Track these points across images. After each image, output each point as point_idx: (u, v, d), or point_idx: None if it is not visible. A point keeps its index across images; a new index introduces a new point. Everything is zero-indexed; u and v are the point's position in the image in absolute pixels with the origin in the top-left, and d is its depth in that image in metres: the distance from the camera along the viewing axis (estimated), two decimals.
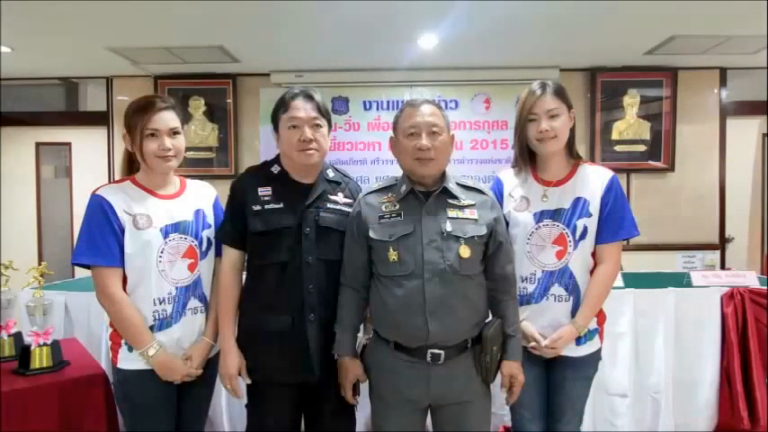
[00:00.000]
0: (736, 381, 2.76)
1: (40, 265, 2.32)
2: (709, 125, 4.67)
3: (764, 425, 2.75)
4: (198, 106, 4.69)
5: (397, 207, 1.79)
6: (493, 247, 1.81)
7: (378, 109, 4.62)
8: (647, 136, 4.65)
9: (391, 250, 1.74)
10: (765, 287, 2.87)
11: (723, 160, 4.68)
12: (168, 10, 3.17)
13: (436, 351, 1.72)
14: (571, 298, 1.90)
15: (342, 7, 3.15)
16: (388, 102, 4.60)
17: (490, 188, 1.98)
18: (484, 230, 1.77)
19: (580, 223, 1.89)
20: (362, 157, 4.61)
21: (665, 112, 4.60)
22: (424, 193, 1.79)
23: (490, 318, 1.84)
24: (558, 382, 1.96)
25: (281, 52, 4.09)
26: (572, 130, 1.95)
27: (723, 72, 4.62)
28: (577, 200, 1.91)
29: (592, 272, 1.93)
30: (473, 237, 1.74)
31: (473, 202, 1.80)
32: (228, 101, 4.68)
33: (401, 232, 1.75)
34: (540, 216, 1.92)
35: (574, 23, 3.51)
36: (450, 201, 1.79)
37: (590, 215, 1.89)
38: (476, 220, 1.77)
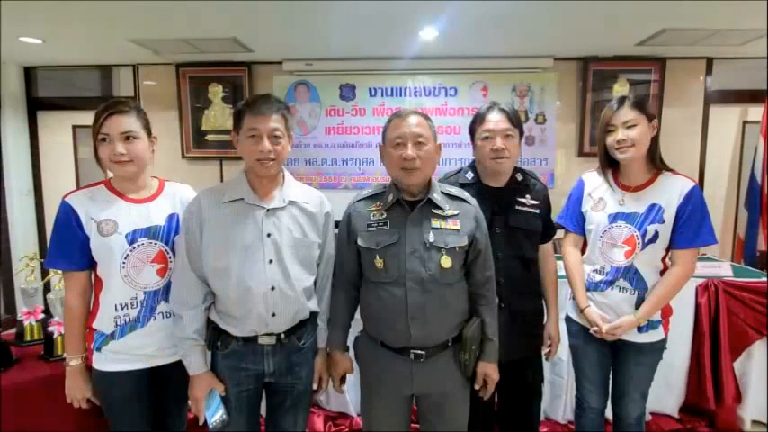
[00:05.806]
0: (706, 366, 2.67)
1: None
2: (693, 111, 4.39)
3: (729, 404, 2.67)
4: (217, 92, 4.51)
5: (384, 216, 1.70)
6: (472, 255, 1.72)
7: (382, 95, 4.44)
8: None
9: (377, 258, 1.66)
10: (739, 279, 2.73)
11: (704, 145, 4.43)
12: (183, 5, 3.01)
13: (418, 351, 1.67)
14: (636, 292, 1.88)
15: (350, 3, 2.98)
16: (392, 89, 4.42)
17: (573, 189, 2.04)
18: (465, 241, 1.67)
19: (651, 228, 1.84)
20: (368, 140, 4.46)
21: (651, 94, 4.33)
22: (409, 203, 1.69)
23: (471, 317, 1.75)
24: (620, 364, 1.98)
25: (292, 45, 3.93)
26: (654, 140, 1.88)
27: (710, 61, 4.33)
28: (652, 206, 1.86)
29: (661, 273, 1.89)
30: (454, 247, 1.65)
31: (456, 212, 1.70)
32: (245, 87, 4.50)
33: (387, 241, 1.66)
34: (614, 218, 1.90)
35: (569, 19, 3.27)
36: (435, 211, 1.69)
37: (663, 221, 1.84)
38: (458, 230, 1.67)
